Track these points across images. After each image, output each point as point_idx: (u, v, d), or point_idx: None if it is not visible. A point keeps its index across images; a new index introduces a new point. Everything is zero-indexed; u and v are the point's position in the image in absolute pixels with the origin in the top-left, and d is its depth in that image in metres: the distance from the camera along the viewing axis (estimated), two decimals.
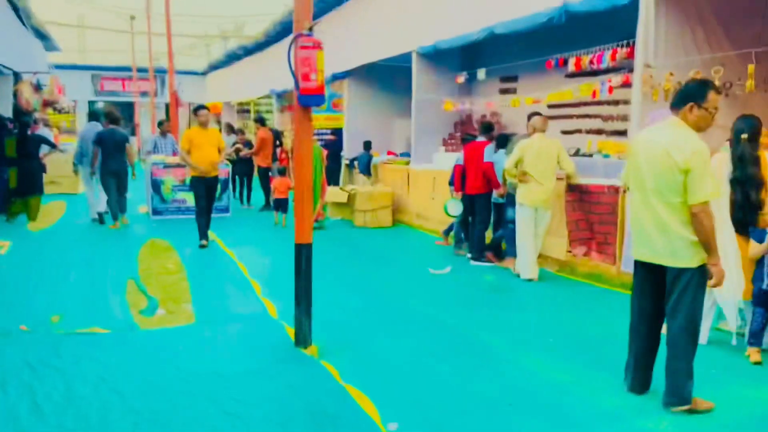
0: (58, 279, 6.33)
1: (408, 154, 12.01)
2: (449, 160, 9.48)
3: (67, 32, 27.57)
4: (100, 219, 9.89)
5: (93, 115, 10.77)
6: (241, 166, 12.51)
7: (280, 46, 17.49)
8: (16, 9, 14.91)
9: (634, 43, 5.98)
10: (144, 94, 26.99)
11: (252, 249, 8.17)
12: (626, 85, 6.20)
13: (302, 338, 4.38)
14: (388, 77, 13.01)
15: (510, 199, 6.81)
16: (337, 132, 14.14)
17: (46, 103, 14.63)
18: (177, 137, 12.32)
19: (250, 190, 12.73)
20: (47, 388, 3.73)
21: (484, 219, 7.46)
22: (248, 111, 24.21)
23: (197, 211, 8.16)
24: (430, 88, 10.12)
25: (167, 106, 27.72)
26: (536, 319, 5.22)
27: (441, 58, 10.00)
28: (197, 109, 8.03)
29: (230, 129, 13.36)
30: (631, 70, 6.00)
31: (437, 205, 9.34)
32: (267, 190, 11.79)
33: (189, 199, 10.70)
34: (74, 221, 10.26)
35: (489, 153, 7.33)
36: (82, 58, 30.95)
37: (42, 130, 14.38)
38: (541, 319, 5.22)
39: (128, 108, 29.08)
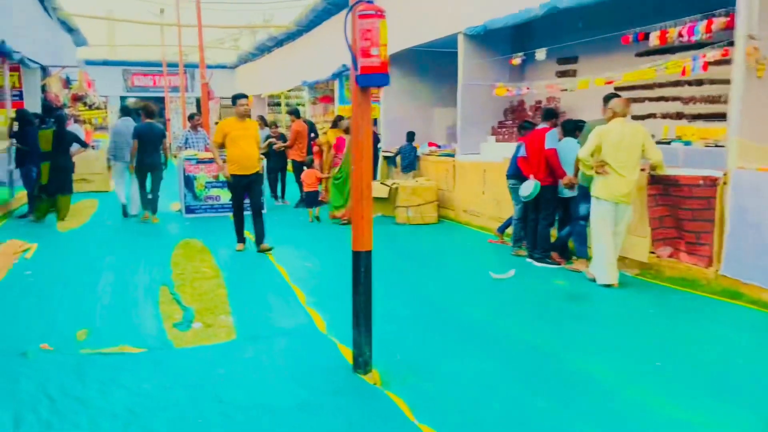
0: (85, 287, 5.79)
1: (447, 146, 11.30)
2: (499, 150, 8.74)
3: (97, 27, 27.39)
4: (124, 212, 9.93)
5: (125, 111, 10.60)
6: (275, 161, 11.91)
7: (312, 35, 16.85)
8: (42, 0, 14.59)
9: (730, 12, 5.15)
10: (174, 89, 26.71)
11: (291, 250, 7.55)
12: (723, 61, 5.37)
13: (362, 362, 3.72)
14: (429, 63, 12.28)
15: (582, 193, 6.05)
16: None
17: (76, 98, 14.26)
18: (209, 132, 11.80)
19: (284, 185, 12.14)
20: (67, 426, 3.15)
21: (549, 214, 6.70)
22: (279, 104, 23.70)
23: (234, 211, 7.48)
24: (478, 72, 9.36)
25: (198, 101, 27.47)
26: (631, 334, 4.47)
27: (490, 39, 9.22)
28: (236, 98, 7.07)
29: (263, 122, 12.78)
30: (730, 44, 5.17)
31: (488, 200, 8.61)
32: (302, 185, 11.19)
33: (223, 195, 10.17)
34: (105, 221, 9.79)
35: (551, 139, 6.56)
36: (111, 53, 30.80)
37: (73, 127, 14.04)
38: (637, 334, 4.47)
39: (158, 103, 28.87)
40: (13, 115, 10.38)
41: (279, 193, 12.05)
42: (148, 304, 5.21)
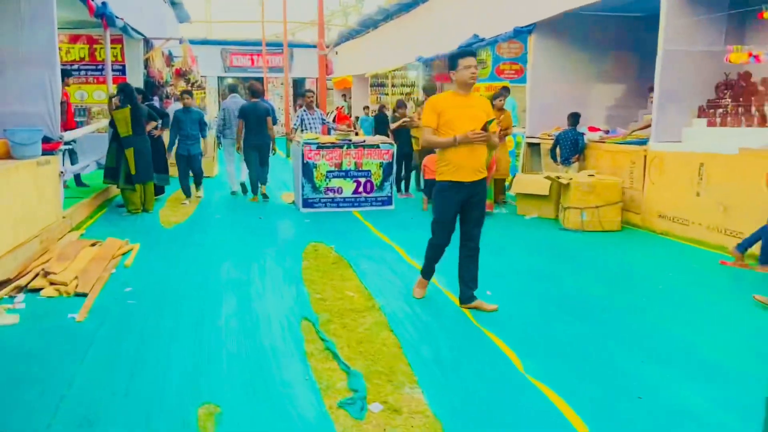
0: (202, 321, 4.25)
1: (614, 131, 9.12)
2: (719, 137, 6.55)
3: (196, 4, 26.73)
4: (243, 189, 9.81)
5: (232, 88, 10.18)
6: (400, 146, 10.16)
7: (433, 4, 14.92)
8: None
9: None
10: (273, 69, 25.64)
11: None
12: None
13: None
14: (584, 30, 10.12)
15: None
16: None
17: (179, 74, 13.11)
18: (325, 112, 10.22)
19: (409, 174, 10.38)
20: None
21: None
22: (383, 85, 22.02)
23: (437, 239, 4.50)
24: (684, 35, 7.14)
25: (295, 82, 26.32)
26: None
27: None
28: (458, 58, 4.17)
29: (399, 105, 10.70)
30: None
31: (706, 204, 6.44)
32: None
33: (345, 187, 8.54)
34: (214, 214, 8.38)
35: None
36: (209, 32, 30.22)
37: (174, 107, 12.92)
38: None
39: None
40: (114, 90, 9.19)
41: (403, 185, 10.31)
42: (292, 359, 3.55)
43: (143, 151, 8.19)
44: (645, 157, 7.37)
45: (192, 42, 22.24)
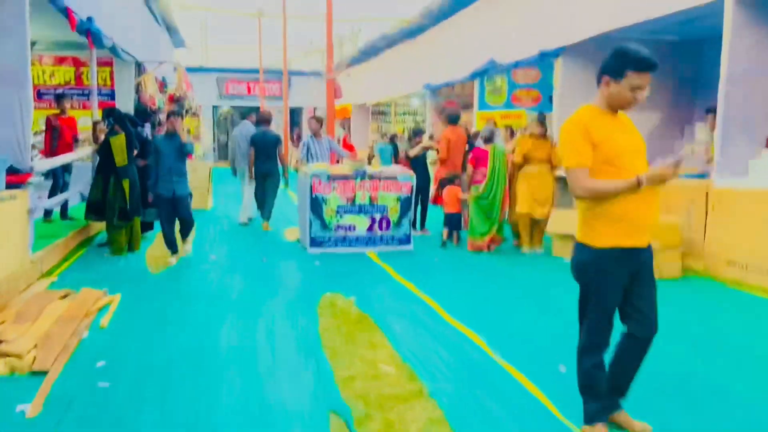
0: (196, 421, 3.20)
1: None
2: None
3: (192, 30, 26.09)
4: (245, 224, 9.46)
5: (244, 115, 10.30)
6: (417, 178, 9.19)
7: (442, 29, 14.17)
8: None
9: None
10: (271, 97, 24.87)
11: (488, 315, 4.74)
12: None
13: None
14: None
15: None
16: None
17: (173, 100, 12.19)
18: (332, 136, 9.31)
19: (425, 209, 9.39)
20: None
21: None
22: (385, 113, 21.25)
23: (593, 343, 2.87)
24: (749, 56, 6.28)
25: (292, 111, 25.53)
26: None
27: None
28: (633, 61, 2.68)
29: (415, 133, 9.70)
30: None
31: None
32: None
33: (359, 224, 7.55)
34: (209, 255, 7.34)
35: None
36: (205, 59, 29.55)
37: None
38: None
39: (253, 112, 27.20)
40: (100, 116, 8.23)
41: (419, 221, 9.32)
42: None
43: (136, 183, 7.23)
44: (707, 194, 6.44)
45: (187, 69, 21.47)
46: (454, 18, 13.27)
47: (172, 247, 6.82)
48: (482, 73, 11.73)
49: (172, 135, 6.74)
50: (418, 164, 9.09)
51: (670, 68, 9.57)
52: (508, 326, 4.64)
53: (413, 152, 9.04)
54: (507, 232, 8.04)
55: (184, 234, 7.06)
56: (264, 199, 9.02)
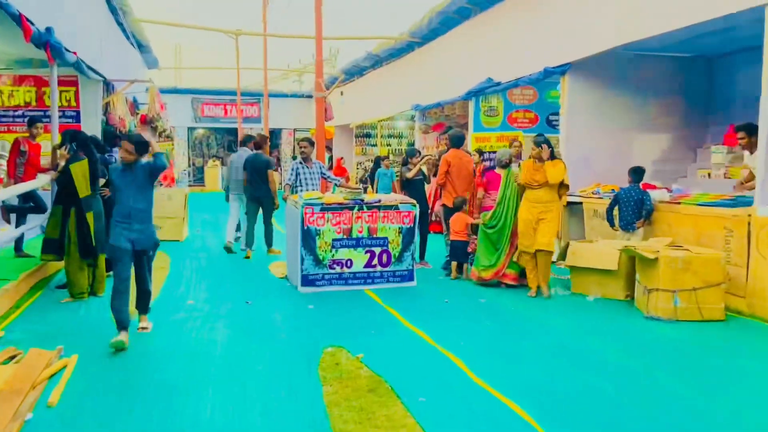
0: None
1: (678, 190, 7.55)
2: None
3: (165, 51, 25.20)
4: (228, 250, 8.98)
5: (243, 142, 9.73)
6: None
7: (433, 47, 13.54)
8: (115, 11, 11.85)
9: None
10: (248, 119, 24.05)
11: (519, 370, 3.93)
12: None
13: None
14: (624, 71, 8.75)
15: None
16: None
17: (145, 121, 11.26)
18: (323, 161, 8.49)
19: (424, 240, 8.58)
20: None
21: None
22: (369, 135, 20.53)
23: None
24: None
25: (271, 134, 24.69)
26: None
27: None
28: None
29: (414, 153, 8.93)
30: None
31: None
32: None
33: (356, 259, 6.71)
34: (186, 299, 6.41)
35: None
36: (178, 79, 28.61)
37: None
38: None
39: (230, 135, 26.29)
40: (59, 141, 7.29)
41: (417, 252, 8.48)
42: None
43: (101, 216, 6.31)
44: (748, 224, 5.76)
45: (161, 91, 20.55)
46: (446, 36, 12.66)
47: (122, 323, 4.65)
48: (478, 93, 11.07)
49: (131, 165, 4.78)
50: (415, 190, 8.32)
51: (681, 86, 9.02)
52: (550, 391, 3.82)
53: (411, 173, 8.27)
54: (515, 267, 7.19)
55: (143, 307, 5.07)
56: (265, 227, 9.04)
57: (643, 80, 8.80)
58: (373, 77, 17.35)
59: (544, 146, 6.46)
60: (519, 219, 6.60)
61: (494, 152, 8.98)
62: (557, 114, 12.05)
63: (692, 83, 9.08)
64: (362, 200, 6.80)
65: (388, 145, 20.25)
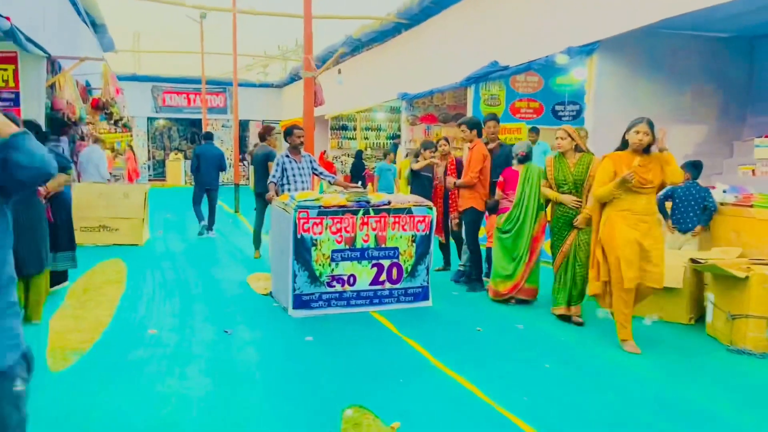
0: None
1: (734, 189, 6.48)
2: None
3: (122, 35, 23.35)
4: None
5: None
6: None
7: (422, 30, 12.28)
8: None
9: None
10: (214, 109, 22.43)
11: None
12: None
13: None
14: (655, 53, 7.68)
15: None
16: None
17: (97, 107, 9.69)
18: (314, 154, 7.15)
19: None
20: None
21: None
22: (346, 128, 19.19)
23: None
24: None
25: (241, 124, 23.13)
26: None
27: None
28: None
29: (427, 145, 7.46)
30: None
31: None
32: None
33: (360, 275, 5.43)
34: (146, 326, 5.01)
35: None
36: (137, 66, 26.70)
37: (90, 149, 9.53)
38: None
39: (194, 126, 24.59)
40: None
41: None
42: None
43: (36, 226, 4.87)
44: None
45: (119, 78, 18.76)
46: (440, 16, 11.41)
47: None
48: (480, 78, 9.86)
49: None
50: (421, 186, 7.08)
51: (719, 71, 7.99)
52: None
53: (419, 165, 7.04)
54: (545, 281, 5.95)
55: None
56: (209, 213, 9.21)
57: (677, 64, 7.74)
58: (352, 64, 16.01)
59: (662, 129, 4.51)
60: (616, 239, 4.47)
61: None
62: (563, 104, 10.98)
63: (731, 67, 8.06)
64: (368, 202, 5.50)
65: (365, 138, 18.96)
